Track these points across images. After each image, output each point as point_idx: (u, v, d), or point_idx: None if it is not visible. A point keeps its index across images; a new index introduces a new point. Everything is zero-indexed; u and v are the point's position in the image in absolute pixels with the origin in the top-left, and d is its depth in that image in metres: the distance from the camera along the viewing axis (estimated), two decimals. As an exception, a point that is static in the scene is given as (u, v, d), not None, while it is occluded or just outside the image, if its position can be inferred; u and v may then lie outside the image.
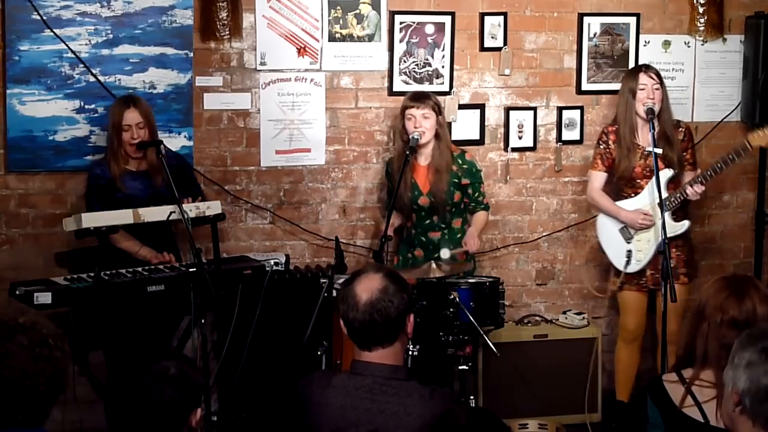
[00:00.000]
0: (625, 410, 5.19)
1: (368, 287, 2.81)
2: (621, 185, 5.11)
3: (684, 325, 3.09)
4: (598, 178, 5.15)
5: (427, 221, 5.00)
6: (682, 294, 4.73)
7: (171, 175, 4.32)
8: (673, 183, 5.00)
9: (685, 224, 4.98)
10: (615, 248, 5.13)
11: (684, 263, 5.05)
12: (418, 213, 4.99)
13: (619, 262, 5.09)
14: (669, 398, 2.89)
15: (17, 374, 2.29)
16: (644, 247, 5.01)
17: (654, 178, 4.91)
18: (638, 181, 5.03)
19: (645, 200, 5.02)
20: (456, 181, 4.95)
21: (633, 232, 5.06)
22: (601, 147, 5.13)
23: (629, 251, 5.03)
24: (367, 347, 2.82)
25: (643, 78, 4.96)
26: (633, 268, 5.03)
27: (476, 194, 5.03)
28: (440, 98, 5.27)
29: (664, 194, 4.88)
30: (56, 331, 2.39)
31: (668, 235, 4.76)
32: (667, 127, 5.00)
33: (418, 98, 4.93)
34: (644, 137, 5.00)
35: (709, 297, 2.91)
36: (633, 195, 5.07)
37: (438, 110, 4.93)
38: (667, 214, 4.88)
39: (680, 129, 5.11)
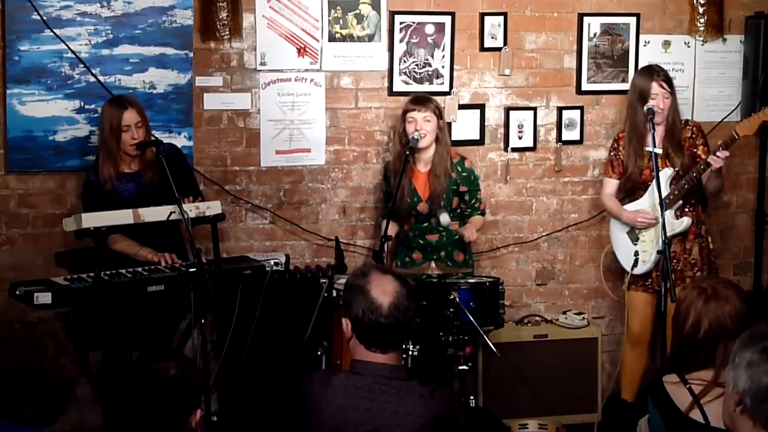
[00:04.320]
0: (628, 409, 5.19)
1: (387, 290, 2.81)
2: (633, 189, 5.12)
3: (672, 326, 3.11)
4: (609, 184, 5.19)
5: (425, 224, 5.00)
6: None
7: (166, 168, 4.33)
8: (676, 181, 4.99)
9: (684, 221, 4.96)
10: (624, 250, 5.14)
11: (691, 266, 5.03)
12: (416, 217, 5.00)
13: (627, 264, 5.09)
14: (670, 400, 2.89)
15: (50, 366, 2.41)
16: (648, 248, 5.02)
17: (655, 179, 4.92)
18: (648, 183, 5.03)
19: (649, 200, 5.03)
20: (454, 188, 4.96)
21: (638, 233, 5.06)
22: (612, 154, 5.18)
23: (636, 252, 5.04)
24: (382, 349, 2.83)
25: (655, 87, 4.93)
26: (640, 269, 5.02)
27: (473, 201, 5.04)
28: (440, 98, 5.28)
29: (665, 192, 4.89)
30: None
31: (669, 234, 4.76)
32: (675, 130, 5.00)
33: (420, 101, 4.92)
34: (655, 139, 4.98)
35: (689, 303, 2.97)
36: (642, 196, 5.08)
37: (439, 114, 4.93)
38: (669, 212, 4.89)
39: (688, 127, 5.10)
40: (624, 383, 5.27)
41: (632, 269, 5.02)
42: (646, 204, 5.03)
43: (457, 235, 4.96)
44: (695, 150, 5.05)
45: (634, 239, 5.09)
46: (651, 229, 5.00)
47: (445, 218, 4.86)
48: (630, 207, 5.09)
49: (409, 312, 2.82)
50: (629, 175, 5.06)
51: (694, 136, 5.08)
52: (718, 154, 4.82)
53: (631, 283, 5.10)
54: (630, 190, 5.15)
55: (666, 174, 4.92)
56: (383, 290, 2.81)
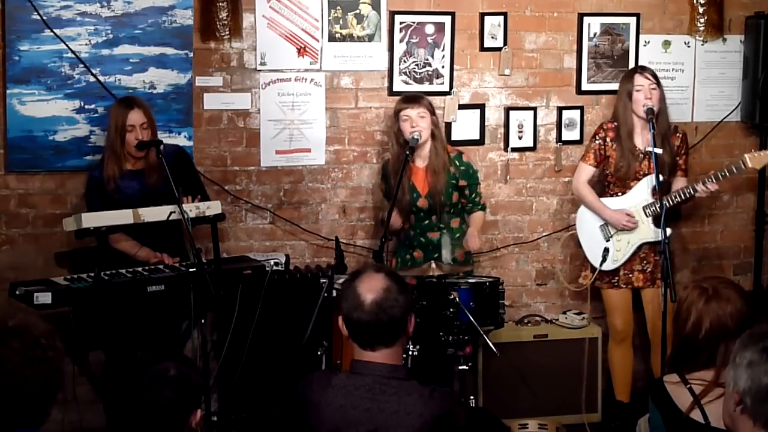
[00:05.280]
0: (625, 410, 5.19)
1: (372, 287, 2.81)
2: (610, 183, 5.11)
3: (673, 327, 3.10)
4: (586, 171, 5.14)
5: (426, 222, 5.00)
6: (658, 297, 4.67)
7: (170, 170, 4.33)
8: (661, 189, 4.98)
9: (668, 232, 4.98)
10: (593, 244, 5.12)
11: (661, 268, 5.03)
12: (416, 214, 4.99)
13: (595, 259, 5.08)
14: (671, 400, 2.89)
15: (13, 380, 2.28)
16: (623, 247, 5.02)
17: (643, 180, 4.95)
18: (628, 182, 5.03)
19: (632, 201, 5.02)
20: (453, 182, 4.95)
21: (613, 231, 5.05)
22: (597, 142, 5.11)
23: (606, 249, 5.02)
24: (371, 347, 2.83)
25: (638, 79, 4.96)
26: (608, 266, 5.03)
27: (473, 195, 5.03)
28: (440, 98, 5.29)
29: (651, 199, 4.91)
30: (47, 329, 2.38)
31: (649, 240, 4.89)
32: (663, 130, 5.00)
33: (412, 99, 4.93)
34: (642, 139, 5.00)
35: (690, 302, 2.96)
36: (620, 194, 5.07)
37: (432, 110, 4.93)
38: (649, 219, 4.92)
39: (677, 135, 5.11)
40: (616, 384, 5.27)
41: (600, 265, 5.02)
42: (631, 203, 5.02)
43: (458, 233, 4.96)
44: (678, 159, 5.08)
45: (607, 236, 5.06)
46: (630, 230, 5.00)
47: (446, 254, 4.85)
48: (612, 203, 5.05)
49: (392, 310, 2.79)
50: (616, 171, 5.03)
51: (681, 144, 5.12)
52: (708, 185, 4.84)
53: (597, 279, 5.10)
54: (605, 184, 5.13)
55: (653, 181, 4.88)
56: (369, 287, 2.81)
